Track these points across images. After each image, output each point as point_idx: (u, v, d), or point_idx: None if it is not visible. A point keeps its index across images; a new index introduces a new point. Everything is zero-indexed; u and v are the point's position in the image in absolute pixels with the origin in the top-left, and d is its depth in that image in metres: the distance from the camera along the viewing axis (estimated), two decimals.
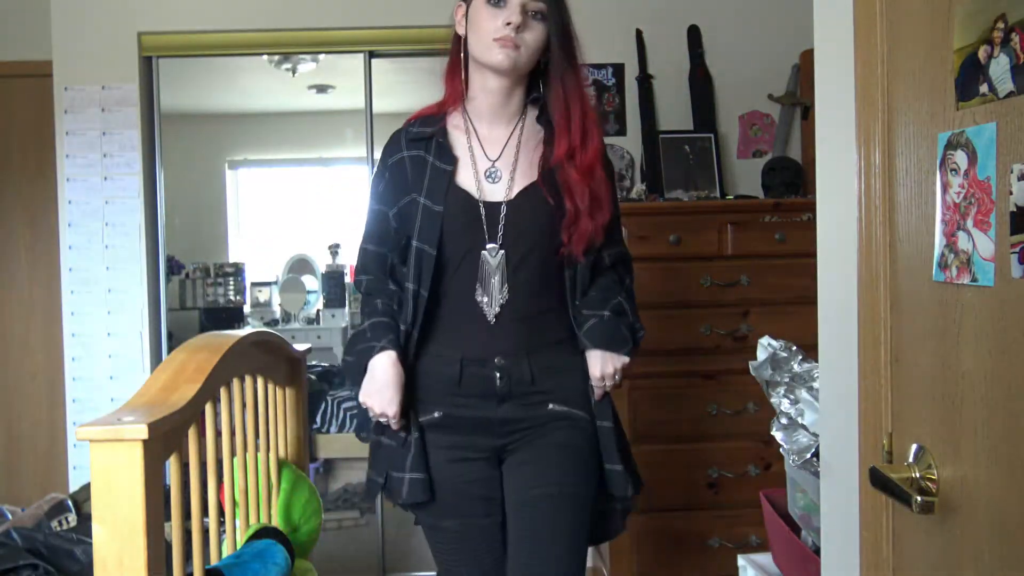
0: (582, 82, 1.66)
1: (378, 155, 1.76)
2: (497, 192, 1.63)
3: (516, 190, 1.63)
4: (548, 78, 1.64)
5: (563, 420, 1.65)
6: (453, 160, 1.63)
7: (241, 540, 1.92)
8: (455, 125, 1.68)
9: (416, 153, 1.64)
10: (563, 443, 1.65)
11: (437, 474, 1.62)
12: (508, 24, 1.55)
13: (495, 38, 1.56)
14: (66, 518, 2.49)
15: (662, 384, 2.85)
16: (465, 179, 1.63)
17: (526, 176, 1.64)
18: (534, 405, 1.64)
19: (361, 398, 1.63)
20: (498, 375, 1.61)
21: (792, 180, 3.16)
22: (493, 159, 1.64)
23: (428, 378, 1.64)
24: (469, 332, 1.62)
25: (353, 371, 1.65)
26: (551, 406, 1.65)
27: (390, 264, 1.69)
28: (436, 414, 1.63)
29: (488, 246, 1.60)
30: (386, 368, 1.60)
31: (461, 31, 1.66)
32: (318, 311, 4.31)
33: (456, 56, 1.68)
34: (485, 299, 1.61)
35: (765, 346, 1.74)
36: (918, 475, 0.98)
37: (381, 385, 1.60)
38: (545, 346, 1.66)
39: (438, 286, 1.62)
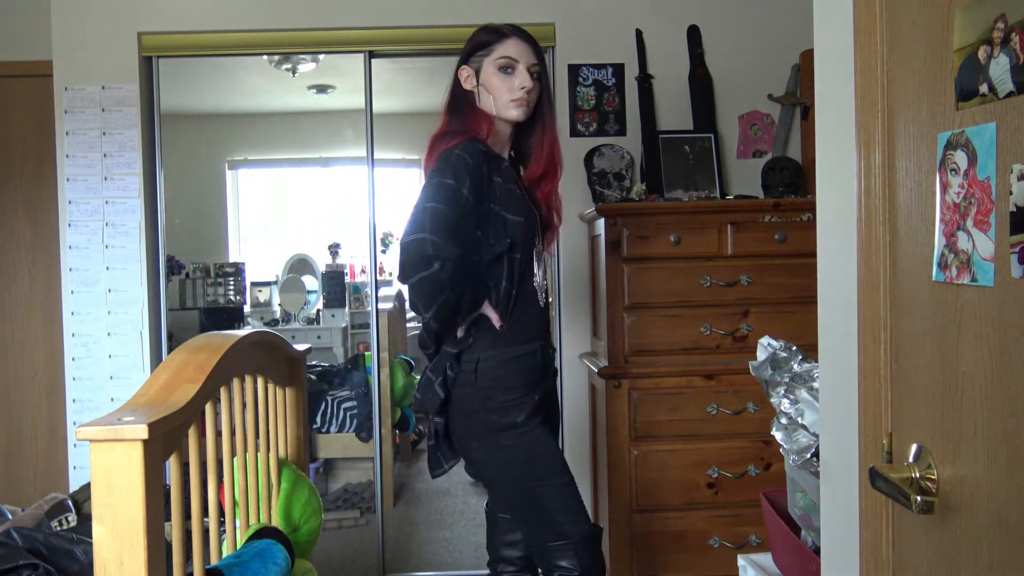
0: (556, 124, 2.08)
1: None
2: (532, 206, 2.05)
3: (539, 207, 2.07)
4: (536, 122, 2.05)
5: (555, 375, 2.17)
6: (513, 181, 2.01)
7: (241, 540, 1.92)
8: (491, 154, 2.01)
9: (487, 168, 1.93)
10: (558, 415, 2.21)
11: (550, 441, 2.01)
12: (523, 88, 1.97)
13: (512, 99, 1.97)
14: (66, 518, 2.49)
15: (662, 384, 2.85)
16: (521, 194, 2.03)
17: (532, 194, 2.08)
18: (554, 369, 2.13)
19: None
20: (551, 351, 2.08)
21: (792, 180, 3.16)
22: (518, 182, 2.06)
23: (523, 372, 1.97)
24: (536, 319, 2.02)
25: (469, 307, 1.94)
26: (555, 366, 2.15)
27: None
28: (537, 397, 1.98)
29: (537, 245, 2.04)
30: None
31: (468, 88, 2.04)
32: (318, 311, 4.31)
33: (465, 100, 2.03)
34: (539, 290, 2.03)
35: (765, 346, 1.74)
36: (918, 475, 0.98)
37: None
38: None
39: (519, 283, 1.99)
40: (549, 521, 1.94)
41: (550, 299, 2.23)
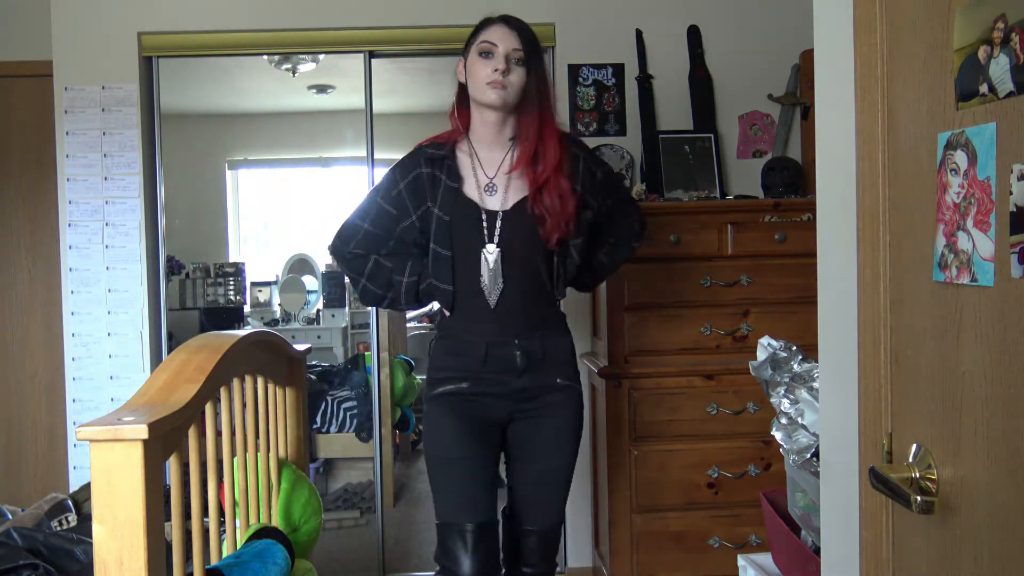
0: (552, 115, 2.02)
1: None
2: (495, 203, 2.01)
3: (511, 202, 2.01)
4: (525, 112, 2.00)
5: (563, 391, 2.07)
6: (459, 179, 2.02)
7: (241, 540, 1.92)
8: (462, 150, 2.06)
9: (431, 171, 2.03)
10: (571, 417, 2.09)
11: (457, 419, 2.01)
12: (496, 70, 1.94)
13: (487, 82, 1.95)
14: (66, 518, 2.49)
15: (662, 384, 2.85)
16: (470, 192, 2.02)
17: (519, 191, 2.01)
18: (545, 376, 2.05)
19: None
20: (518, 353, 2.01)
21: (792, 180, 3.16)
22: (490, 177, 2.03)
23: (455, 358, 2.03)
24: (480, 316, 2.01)
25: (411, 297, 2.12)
26: (559, 380, 2.06)
27: (385, 251, 2.10)
28: (464, 385, 2.02)
29: (488, 246, 1.98)
30: None
31: (463, 80, 2.05)
32: (318, 311, 4.32)
33: (461, 99, 2.08)
34: (487, 289, 1.99)
35: (765, 346, 1.74)
36: (918, 475, 0.98)
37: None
38: (546, 327, 2.06)
39: (454, 279, 2.01)
40: (433, 495, 2.07)
41: (566, 298, 2.14)
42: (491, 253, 1.98)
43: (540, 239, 1.99)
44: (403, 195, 2.04)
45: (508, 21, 2.01)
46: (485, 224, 1.98)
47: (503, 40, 1.97)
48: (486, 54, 1.97)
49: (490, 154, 2.04)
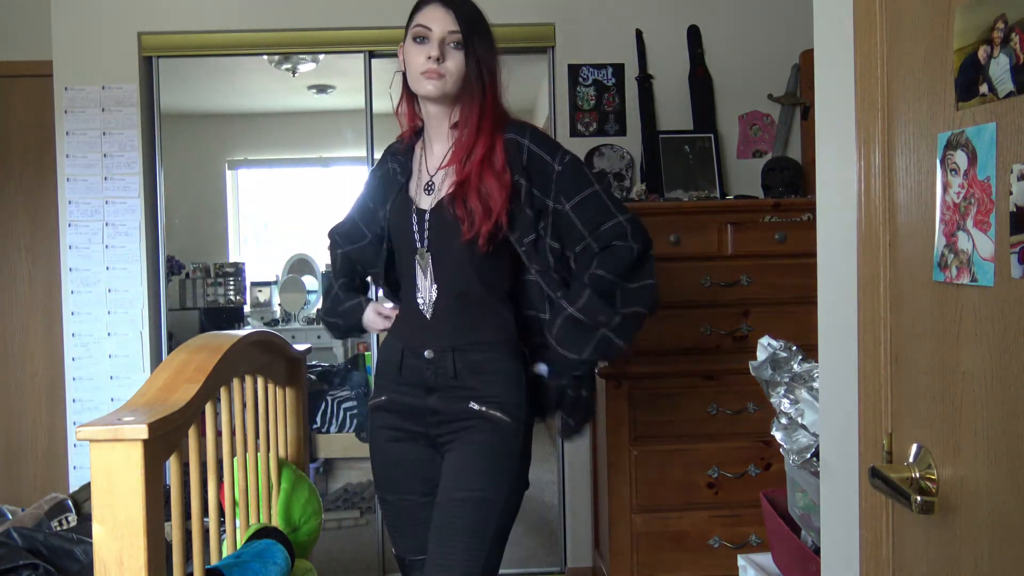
0: (495, 102, 1.78)
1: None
2: (427, 202, 1.81)
3: (440, 200, 1.80)
4: (464, 100, 1.76)
5: (479, 419, 1.75)
6: (408, 174, 1.87)
7: (241, 540, 1.92)
8: (420, 144, 1.89)
9: (392, 166, 1.90)
10: (482, 447, 1.75)
11: (382, 452, 1.87)
12: (429, 58, 1.72)
13: (421, 72, 1.73)
14: (66, 518, 2.49)
15: (662, 384, 2.85)
16: (412, 189, 1.85)
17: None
18: (456, 400, 1.77)
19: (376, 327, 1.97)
20: (425, 367, 1.78)
21: (792, 180, 3.16)
22: (431, 174, 1.83)
23: (382, 364, 1.89)
24: (412, 324, 1.83)
25: (348, 330, 2.02)
26: (471, 404, 1.75)
27: (367, 242, 1.99)
28: (383, 398, 1.86)
29: (419, 248, 1.80)
30: (368, 311, 1.96)
31: (403, 69, 1.82)
32: (318, 311, 4.31)
33: (406, 89, 1.85)
34: (420, 297, 1.81)
35: (765, 346, 1.74)
36: (918, 475, 0.98)
37: (372, 321, 1.95)
38: (476, 344, 1.78)
39: (398, 280, 1.88)
40: None
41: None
42: (423, 258, 1.78)
43: (474, 243, 1.74)
44: (376, 188, 1.94)
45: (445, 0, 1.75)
46: (415, 224, 1.79)
47: (438, 22, 1.72)
48: (420, 39, 1.73)
49: (436, 148, 1.84)
